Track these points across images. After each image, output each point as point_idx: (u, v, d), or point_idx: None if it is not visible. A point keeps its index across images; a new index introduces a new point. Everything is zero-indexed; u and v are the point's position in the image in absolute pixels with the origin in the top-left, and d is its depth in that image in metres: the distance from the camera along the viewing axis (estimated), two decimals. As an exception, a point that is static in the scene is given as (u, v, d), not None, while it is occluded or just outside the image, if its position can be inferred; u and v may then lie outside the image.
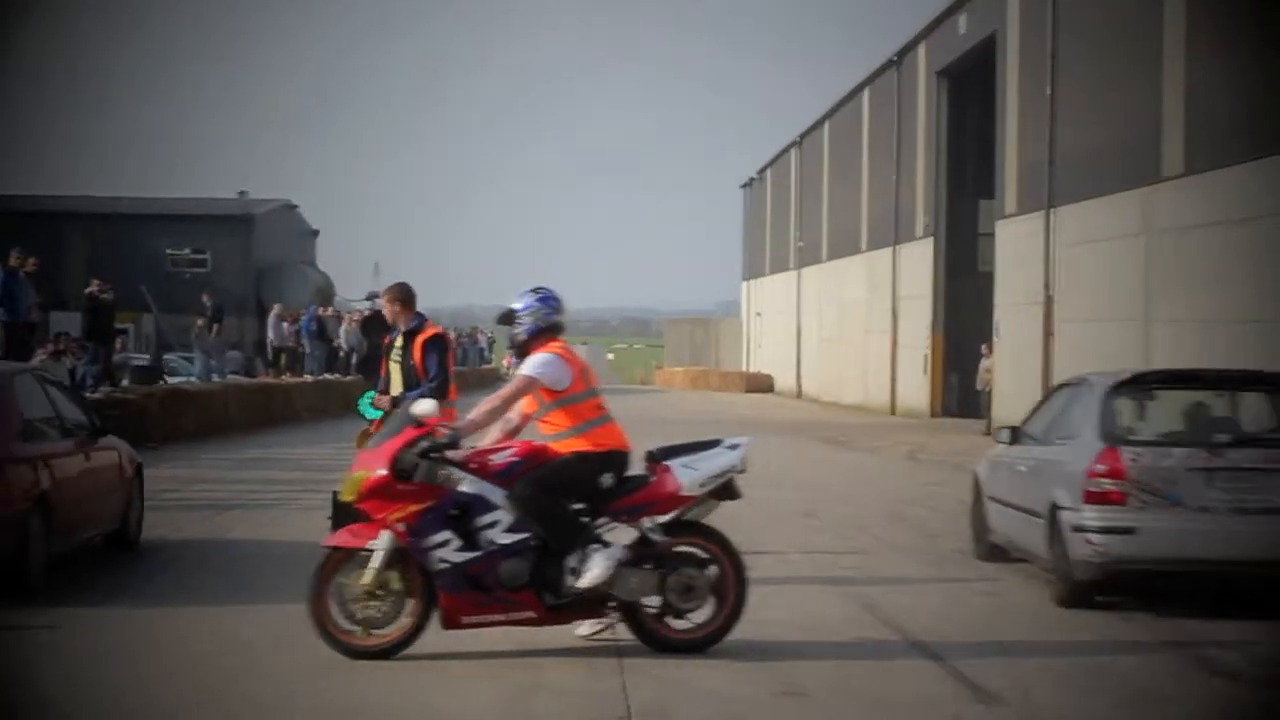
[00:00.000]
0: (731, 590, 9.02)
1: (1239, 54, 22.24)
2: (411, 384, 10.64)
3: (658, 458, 9.03)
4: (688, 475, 8.97)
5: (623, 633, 9.14)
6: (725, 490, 9.18)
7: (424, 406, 8.85)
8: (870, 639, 9.66)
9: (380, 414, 12.70)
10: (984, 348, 34.88)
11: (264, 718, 7.69)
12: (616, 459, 8.92)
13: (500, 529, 8.66)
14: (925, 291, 42.06)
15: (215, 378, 32.87)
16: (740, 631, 9.16)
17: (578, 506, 8.84)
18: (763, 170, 72.67)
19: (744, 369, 74.32)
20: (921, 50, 42.43)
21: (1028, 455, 12.09)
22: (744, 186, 79.02)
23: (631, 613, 8.91)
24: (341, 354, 39.55)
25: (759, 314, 72.85)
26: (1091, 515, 10.35)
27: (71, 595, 10.60)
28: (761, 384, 66.95)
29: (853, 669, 8.75)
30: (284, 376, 36.09)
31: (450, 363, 10.94)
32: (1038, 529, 11.10)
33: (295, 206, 69.08)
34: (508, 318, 9.28)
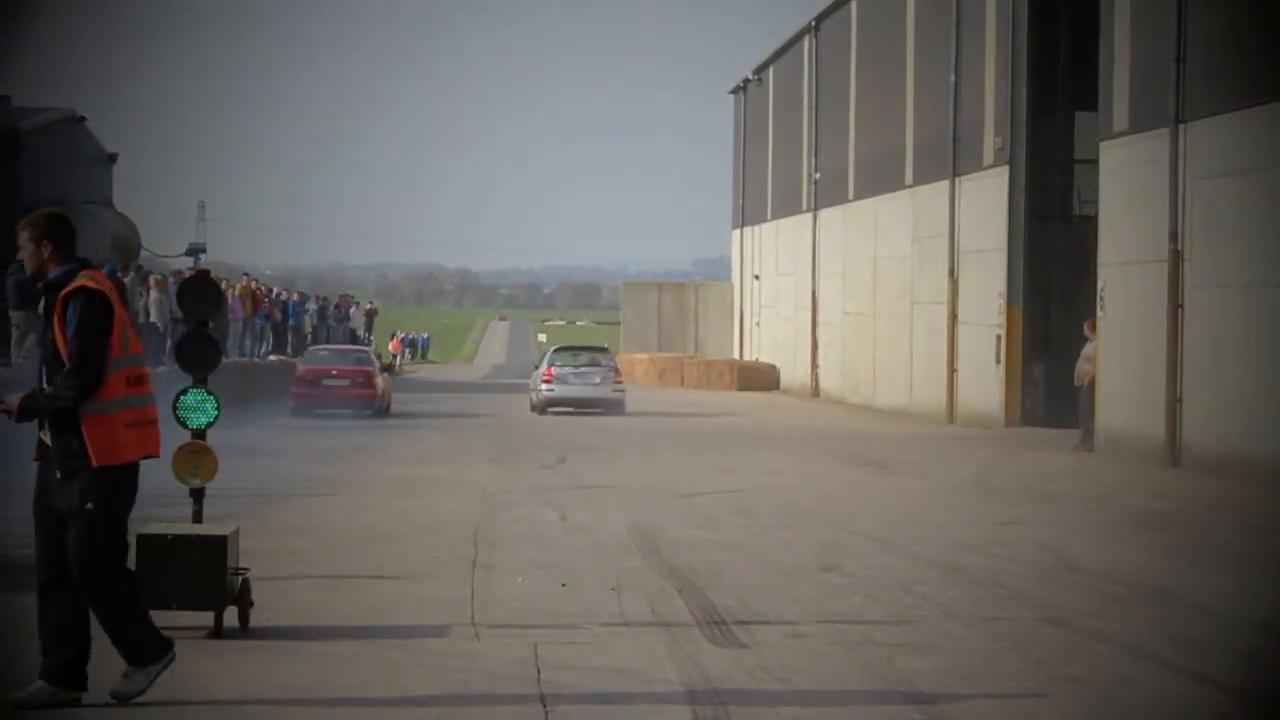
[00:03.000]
0: None
1: None
2: (53, 367, 9.99)
3: None
4: None
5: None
6: None
7: None
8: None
9: (210, 418, 12.66)
10: (1085, 326, 34.95)
11: None
12: None
13: None
14: (998, 244, 42.18)
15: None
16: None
17: None
18: (762, 69, 72.79)
19: (736, 356, 74.50)
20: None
21: (534, 373, 53.68)
22: (735, 92, 79.17)
23: None
24: (150, 331, 39.42)
25: (757, 276, 73.00)
26: (544, 386, 50.16)
27: None
28: (762, 378, 67.14)
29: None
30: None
31: (115, 335, 10.00)
32: (536, 394, 51.04)
33: (83, 119, 68.67)
34: None
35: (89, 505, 9.77)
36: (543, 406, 49.59)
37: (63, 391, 9.73)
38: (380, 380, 47.63)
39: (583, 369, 50.46)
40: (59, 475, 9.86)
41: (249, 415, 35.78)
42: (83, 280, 9.95)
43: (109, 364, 9.87)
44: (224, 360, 13.42)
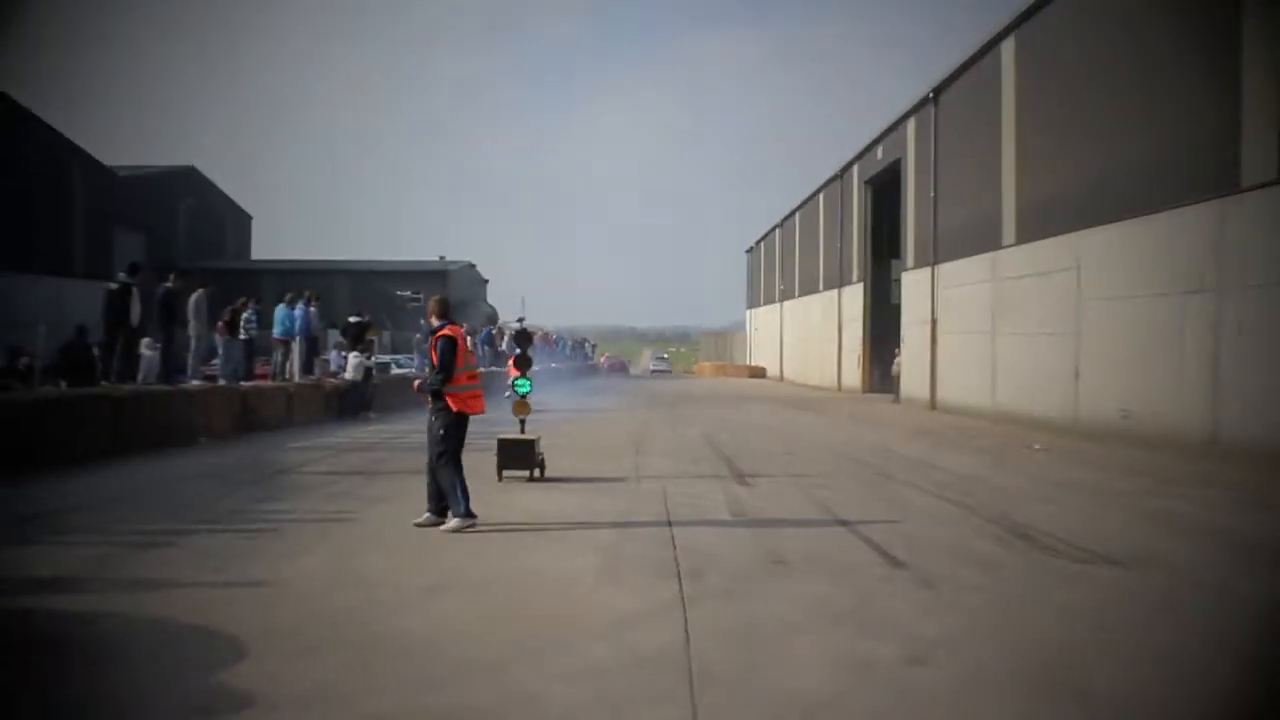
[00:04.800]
0: None
1: (1051, 168, 21.99)
2: (430, 368, 9.38)
3: None
4: None
5: (675, 518, 9.23)
6: None
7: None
8: (819, 521, 9.68)
9: (528, 390, 12.83)
10: (896, 350, 34.59)
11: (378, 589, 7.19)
12: None
13: None
14: (859, 316, 41.76)
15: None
16: (747, 525, 9.13)
17: None
18: (759, 241, 72.22)
19: (747, 363, 73.99)
20: (855, 169, 42.09)
21: (647, 364, 62.11)
22: (748, 252, 78.57)
23: None
24: (501, 355, 39.80)
25: (756, 329, 72.42)
26: (650, 366, 69.63)
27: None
28: (758, 373, 66.55)
29: (815, 543, 8.77)
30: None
31: (459, 355, 9.17)
32: (646, 370, 62.16)
33: (474, 265, 69.62)
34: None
35: (441, 431, 9.30)
36: (648, 373, 65.49)
37: (437, 381, 9.28)
38: (629, 365, 68.97)
39: (661, 361, 72.18)
40: (432, 418, 9.36)
41: (539, 393, 36.05)
42: (447, 330, 9.24)
43: (458, 368, 9.19)
44: (532, 366, 13.54)
